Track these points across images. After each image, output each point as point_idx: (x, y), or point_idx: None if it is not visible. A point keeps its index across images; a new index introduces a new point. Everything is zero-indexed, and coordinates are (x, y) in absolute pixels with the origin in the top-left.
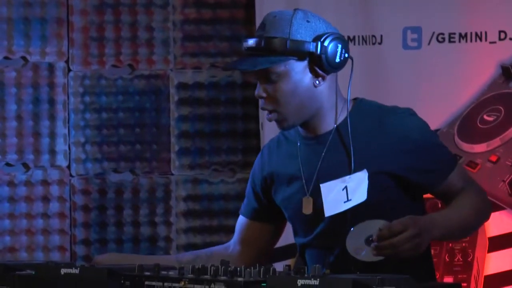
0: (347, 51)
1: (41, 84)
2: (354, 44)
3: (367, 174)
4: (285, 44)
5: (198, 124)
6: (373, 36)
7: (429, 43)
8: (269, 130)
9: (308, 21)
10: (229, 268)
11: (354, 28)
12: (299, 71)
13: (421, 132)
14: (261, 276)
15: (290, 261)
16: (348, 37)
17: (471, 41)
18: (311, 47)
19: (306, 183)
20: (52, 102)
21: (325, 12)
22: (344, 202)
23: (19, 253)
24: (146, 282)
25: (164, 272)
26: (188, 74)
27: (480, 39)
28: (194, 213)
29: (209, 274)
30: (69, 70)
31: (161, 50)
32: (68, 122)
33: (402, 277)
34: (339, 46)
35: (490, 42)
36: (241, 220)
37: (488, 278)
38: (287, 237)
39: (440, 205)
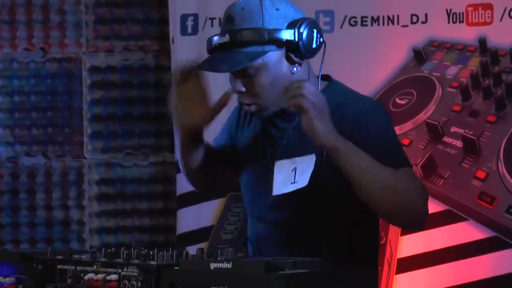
0: (321, 35)
1: None
2: None
3: (314, 158)
4: (263, 35)
5: (110, 107)
6: None
7: (341, 27)
8: None
9: (277, 9)
10: (142, 252)
11: None
12: (276, 61)
13: (377, 131)
14: (174, 260)
15: (203, 245)
16: None
17: (383, 24)
18: (288, 35)
19: (270, 162)
20: None
21: None
22: (291, 183)
23: None
24: (59, 266)
25: (76, 256)
26: (100, 57)
27: (392, 23)
28: (107, 196)
29: (121, 257)
30: None
31: (73, 33)
32: None
33: (315, 260)
34: (315, 31)
35: (402, 26)
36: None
37: (401, 261)
38: (200, 221)
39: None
